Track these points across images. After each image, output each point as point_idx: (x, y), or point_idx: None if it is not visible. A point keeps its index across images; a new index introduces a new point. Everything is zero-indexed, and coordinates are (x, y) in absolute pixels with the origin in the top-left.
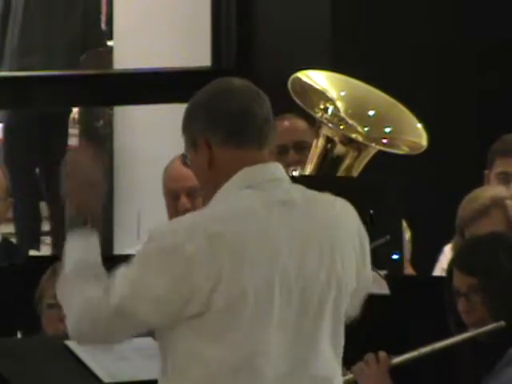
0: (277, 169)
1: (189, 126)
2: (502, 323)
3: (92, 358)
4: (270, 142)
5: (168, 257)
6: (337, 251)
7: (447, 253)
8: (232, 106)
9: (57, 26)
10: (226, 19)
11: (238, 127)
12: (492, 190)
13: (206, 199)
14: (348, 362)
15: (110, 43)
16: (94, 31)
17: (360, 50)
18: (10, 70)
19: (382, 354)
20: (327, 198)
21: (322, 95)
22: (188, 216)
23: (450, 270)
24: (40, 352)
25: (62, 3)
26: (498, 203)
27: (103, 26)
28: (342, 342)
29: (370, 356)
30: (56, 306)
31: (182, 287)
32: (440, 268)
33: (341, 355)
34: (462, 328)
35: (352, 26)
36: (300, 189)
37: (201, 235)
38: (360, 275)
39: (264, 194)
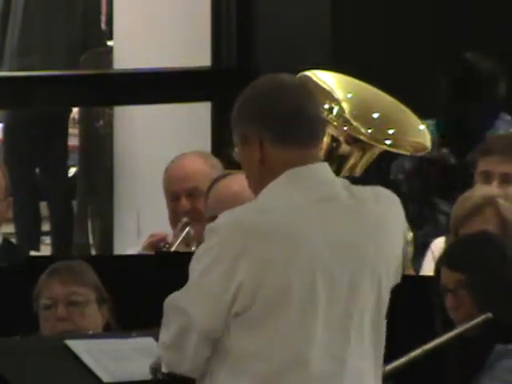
0: (323, 169)
1: (240, 121)
2: (489, 315)
3: (92, 357)
4: (321, 140)
5: (216, 254)
6: (381, 251)
7: (434, 248)
8: (285, 105)
9: (57, 26)
10: (226, 19)
11: (290, 127)
12: (484, 189)
13: (253, 192)
14: None
15: (110, 43)
16: (94, 31)
17: (360, 49)
18: (10, 70)
19: None
20: (372, 192)
21: (328, 95)
22: (236, 210)
23: (437, 269)
24: (40, 352)
25: (62, 3)
26: (489, 202)
27: (103, 26)
28: (383, 343)
29: None
30: (52, 306)
31: (229, 283)
32: (427, 264)
33: (381, 356)
34: (449, 327)
35: (352, 26)
36: (346, 185)
37: (248, 229)
38: (399, 268)
39: (309, 193)
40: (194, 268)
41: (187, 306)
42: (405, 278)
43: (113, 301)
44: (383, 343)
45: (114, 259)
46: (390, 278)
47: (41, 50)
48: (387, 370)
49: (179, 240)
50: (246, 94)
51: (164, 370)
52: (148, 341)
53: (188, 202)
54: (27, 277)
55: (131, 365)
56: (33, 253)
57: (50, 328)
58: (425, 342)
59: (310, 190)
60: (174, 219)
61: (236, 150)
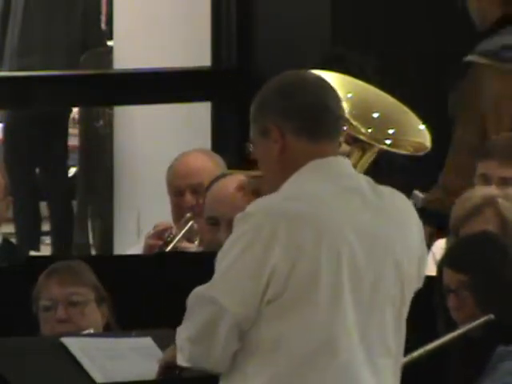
0: (345, 163)
1: (261, 113)
2: (491, 316)
3: (88, 357)
4: (340, 136)
5: (247, 241)
6: (405, 248)
7: (435, 250)
8: (308, 98)
9: (57, 26)
10: (226, 19)
11: (313, 120)
12: (483, 189)
13: (271, 189)
14: None
15: (110, 43)
16: (94, 31)
17: (360, 49)
18: (10, 70)
19: None
20: (394, 191)
21: None
22: (264, 199)
23: (439, 269)
24: (40, 352)
25: (62, 3)
26: (489, 202)
27: (103, 25)
28: (403, 339)
29: None
30: (52, 308)
31: (262, 270)
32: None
33: (401, 352)
34: (452, 327)
35: (352, 26)
36: (368, 181)
37: (278, 216)
38: (420, 267)
39: (334, 182)
40: (223, 260)
41: (217, 295)
42: None
43: (113, 301)
44: (403, 340)
45: (114, 259)
46: (413, 278)
47: (41, 50)
48: None
49: (183, 232)
50: (267, 87)
51: (184, 363)
52: (145, 341)
53: (192, 197)
54: (27, 277)
55: (128, 364)
56: (33, 253)
57: (50, 330)
58: (427, 342)
59: (335, 180)
60: (178, 215)
61: (252, 145)
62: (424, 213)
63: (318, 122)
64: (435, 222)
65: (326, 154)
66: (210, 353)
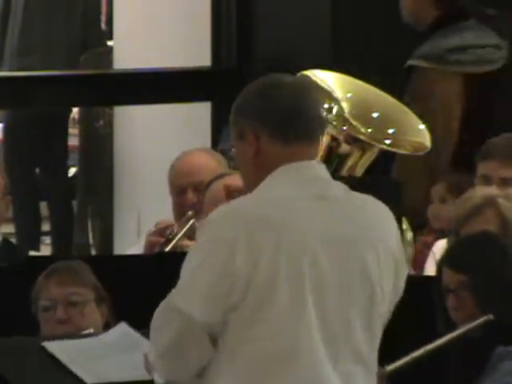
0: (319, 167)
1: (238, 116)
2: (491, 316)
3: (71, 359)
4: (320, 139)
5: (209, 248)
6: (375, 254)
7: (436, 251)
8: (283, 101)
9: (57, 26)
10: (226, 19)
11: (287, 123)
12: (484, 189)
13: (248, 190)
14: None
15: (110, 43)
16: (94, 31)
17: (360, 49)
18: (10, 70)
19: None
20: (368, 198)
21: (328, 95)
22: (226, 205)
23: (439, 269)
24: (39, 352)
25: (62, 3)
26: (490, 202)
27: (103, 25)
28: (375, 343)
29: None
30: (51, 308)
31: (224, 276)
32: (429, 266)
33: (374, 361)
34: (451, 327)
35: (352, 26)
36: (342, 187)
37: (238, 221)
38: (397, 282)
39: (304, 188)
40: (186, 268)
41: (182, 305)
42: (406, 277)
43: (112, 301)
44: (376, 345)
45: (113, 259)
46: (386, 288)
47: (41, 50)
48: (389, 370)
49: (184, 230)
50: (245, 90)
51: (159, 380)
52: (118, 332)
53: (194, 195)
54: (27, 277)
55: (111, 363)
56: (33, 253)
57: (50, 330)
58: (426, 342)
59: (304, 185)
60: (179, 213)
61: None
62: None
63: (293, 125)
64: None
65: (301, 157)
66: (184, 365)
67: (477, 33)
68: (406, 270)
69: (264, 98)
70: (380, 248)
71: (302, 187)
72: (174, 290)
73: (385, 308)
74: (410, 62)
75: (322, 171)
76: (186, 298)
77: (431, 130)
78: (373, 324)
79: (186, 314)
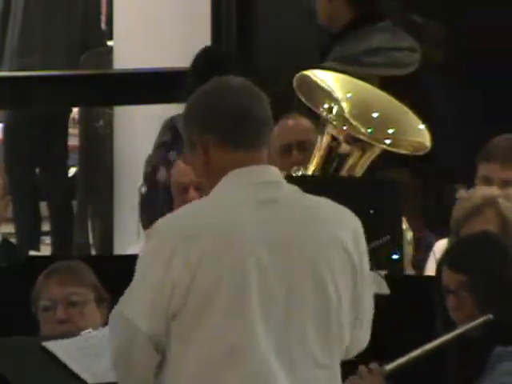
0: (268, 171)
1: (186, 125)
2: (490, 316)
3: (71, 358)
4: (268, 143)
5: (151, 258)
6: (321, 252)
7: (437, 251)
8: (230, 107)
9: (57, 26)
10: (226, 19)
11: (235, 129)
12: (484, 189)
13: (207, 193)
14: (343, 371)
15: (110, 43)
16: (94, 31)
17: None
18: (10, 70)
19: (373, 365)
20: (321, 201)
21: (327, 95)
22: (170, 216)
23: (439, 269)
24: (39, 352)
25: (62, 3)
26: (490, 202)
27: (103, 25)
28: (336, 347)
29: (362, 369)
30: (51, 308)
31: (164, 286)
32: (431, 265)
33: (336, 362)
34: (451, 327)
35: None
36: (292, 190)
37: (177, 235)
38: (357, 276)
39: (251, 193)
40: (135, 275)
41: (127, 312)
42: (406, 278)
43: (113, 301)
44: (337, 350)
45: (114, 259)
46: (343, 289)
47: (41, 50)
48: (388, 369)
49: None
50: (191, 98)
51: None
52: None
53: (196, 193)
54: (27, 277)
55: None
56: (33, 253)
57: (50, 330)
58: (426, 342)
59: (250, 190)
60: None
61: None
62: None
63: (240, 130)
64: None
65: (251, 162)
66: (133, 371)
67: (392, 35)
68: (366, 278)
69: (208, 106)
70: (334, 251)
71: (248, 192)
72: (123, 297)
73: (346, 317)
74: (324, 65)
75: (272, 175)
76: (132, 308)
77: None
78: (330, 329)
79: (130, 322)
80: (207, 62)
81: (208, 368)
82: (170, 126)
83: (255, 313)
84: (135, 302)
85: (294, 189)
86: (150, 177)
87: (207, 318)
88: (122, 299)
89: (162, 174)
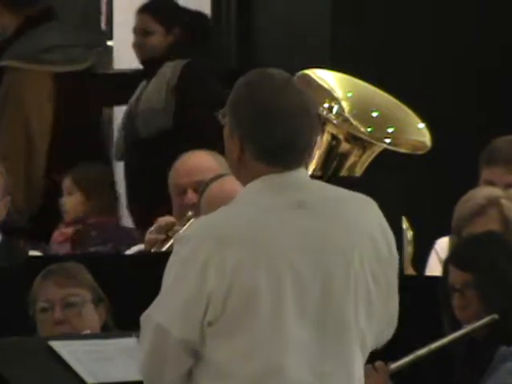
0: (299, 175)
1: (233, 116)
2: (495, 316)
3: (76, 358)
4: (307, 161)
5: (184, 266)
6: (355, 249)
7: (438, 249)
8: (276, 132)
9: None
10: (227, 19)
11: (274, 153)
12: (487, 189)
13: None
14: None
15: (109, 43)
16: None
17: (360, 49)
18: None
19: (379, 364)
20: (348, 195)
21: (328, 94)
22: (205, 218)
23: (445, 268)
24: (40, 352)
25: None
26: (492, 202)
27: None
28: (369, 345)
29: (367, 367)
30: (48, 309)
31: (199, 294)
32: (432, 264)
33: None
34: (456, 326)
35: (352, 25)
36: (320, 188)
37: (213, 240)
38: (386, 270)
39: (282, 196)
40: (165, 280)
41: (159, 318)
42: (412, 277)
43: (111, 301)
44: (368, 345)
45: (113, 259)
46: (369, 275)
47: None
48: (393, 368)
49: (184, 229)
50: (243, 89)
51: None
52: (133, 341)
53: (194, 195)
54: (27, 277)
55: (116, 365)
56: (33, 253)
57: (48, 331)
58: (431, 340)
59: (282, 195)
60: (180, 214)
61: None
62: None
63: (278, 156)
64: None
65: (282, 171)
66: (164, 376)
67: (64, 33)
68: (395, 265)
69: (259, 118)
70: (364, 241)
71: (280, 198)
72: (154, 302)
73: (378, 310)
74: (1, 64)
75: (302, 178)
76: (165, 315)
77: (26, 127)
78: (371, 316)
79: (162, 327)
80: None
81: (248, 379)
82: None
83: (292, 320)
84: (168, 308)
85: (319, 186)
86: None
87: (246, 324)
88: (153, 304)
89: None
